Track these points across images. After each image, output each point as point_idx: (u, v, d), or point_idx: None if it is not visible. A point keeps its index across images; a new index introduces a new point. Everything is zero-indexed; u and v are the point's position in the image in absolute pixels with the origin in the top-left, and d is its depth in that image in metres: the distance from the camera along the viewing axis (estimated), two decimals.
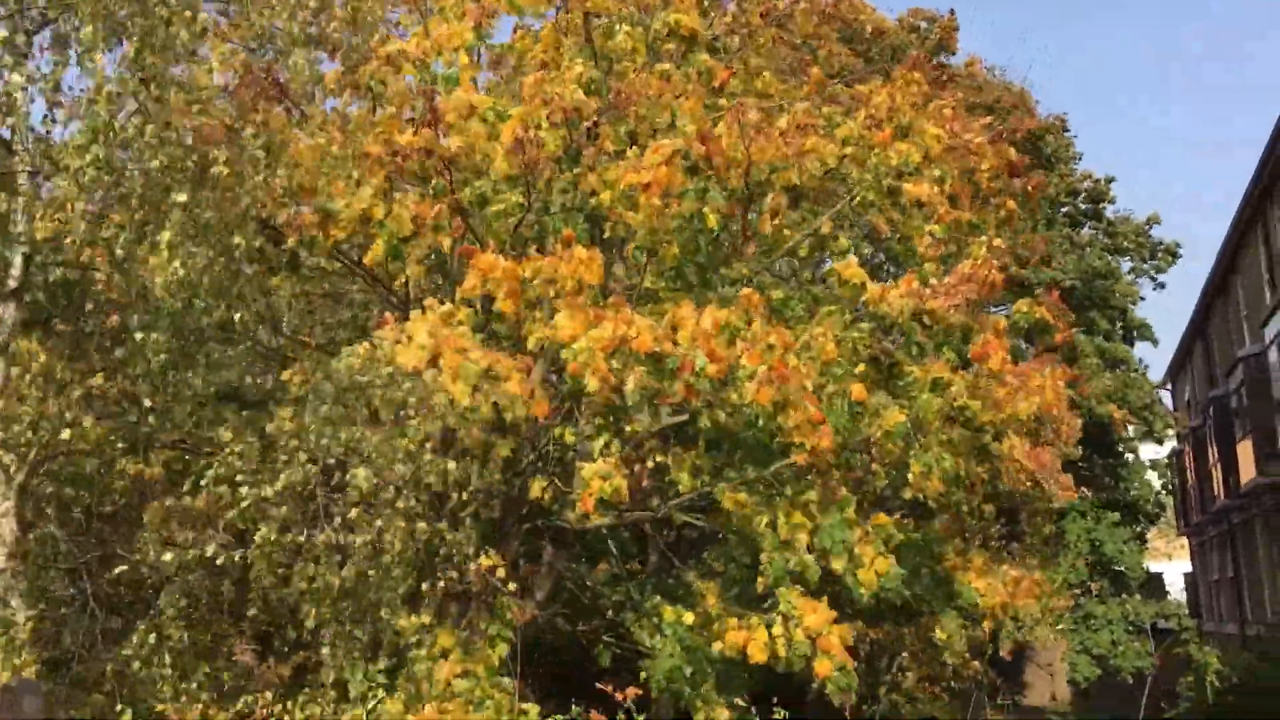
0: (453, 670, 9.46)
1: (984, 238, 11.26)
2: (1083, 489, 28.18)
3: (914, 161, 10.86)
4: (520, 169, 9.94)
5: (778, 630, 9.97)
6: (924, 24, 23.69)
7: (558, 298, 9.23)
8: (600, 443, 9.99)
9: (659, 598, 11.70)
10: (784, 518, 10.14)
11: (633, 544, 17.77)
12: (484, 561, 10.89)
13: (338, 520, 8.89)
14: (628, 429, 11.07)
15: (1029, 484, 19.05)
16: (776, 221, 11.06)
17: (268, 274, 10.15)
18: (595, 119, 10.12)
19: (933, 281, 10.38)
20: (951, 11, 22.52)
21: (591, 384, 8.77)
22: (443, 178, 10.08)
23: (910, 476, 10.61)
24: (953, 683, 20.92)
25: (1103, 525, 27.04)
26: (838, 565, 10.07)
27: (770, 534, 10.20)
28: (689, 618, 10.46)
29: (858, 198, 11.01)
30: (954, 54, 23.41)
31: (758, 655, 9.90)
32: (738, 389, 9.13)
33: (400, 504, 8.94)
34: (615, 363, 8.67)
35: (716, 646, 10.22)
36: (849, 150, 10.82)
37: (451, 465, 9.27)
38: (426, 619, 9.72)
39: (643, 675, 10.53)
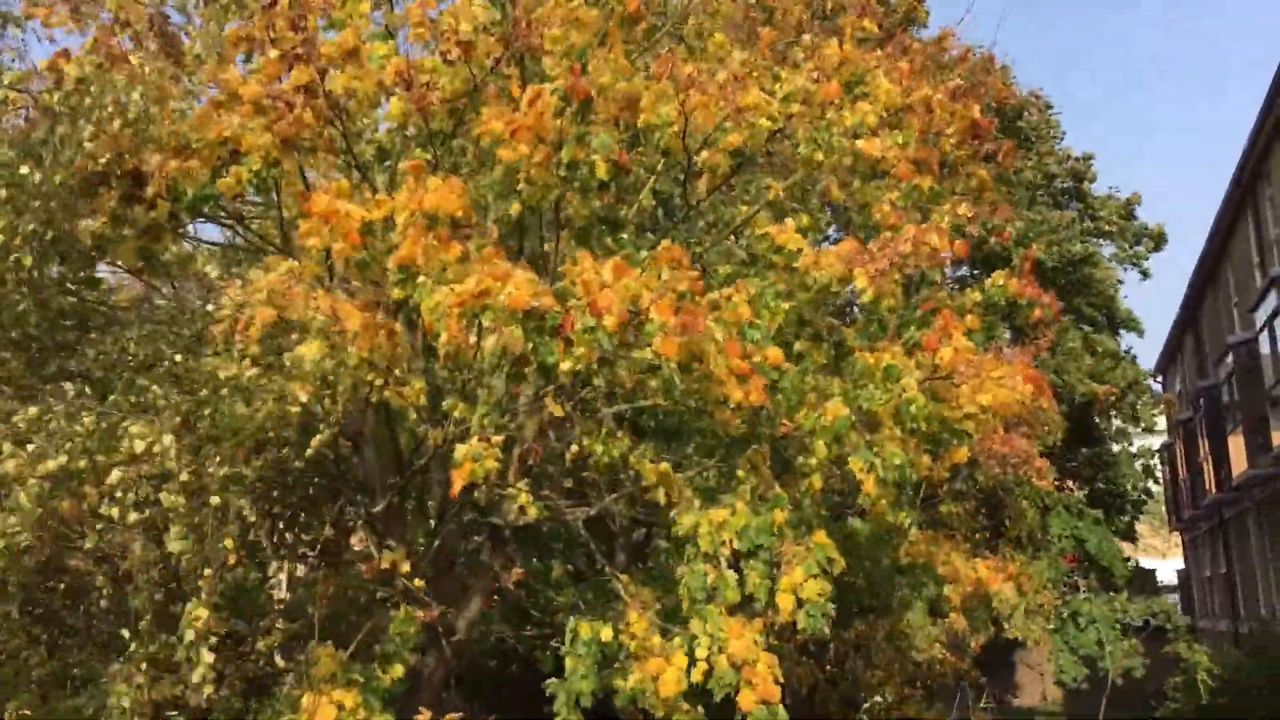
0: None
1: (947, 205, 10.18)
2: (1067, 483, 27.35)
3: (868, 122, 9.80)
4: (412, 110, 8.87)
5: (701, 652, 8.83)
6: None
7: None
8: (478, 415, 8.81)
9: (582, 605, 10.63)
10: (706, 522, 9.05)
11: (602, 541, 16.82)
12: (386, 558, 9.90)
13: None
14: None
15: (1002, 472, 18.22)
16: (712, 186, 9.98)
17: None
18: (497, 57, 9.06)
19: (870, 246, 9.23)
20: None
21: (441, 342, 7.70)
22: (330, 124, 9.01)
23: (858, 476, 9.40)
24: (931, 682, 20.01)
25: (1087, 520, 26.08)
26: (753, 579, 8.95)
27: (694, 539, 9.12)
28: (606, 633, 9.23)
29: (803, 160, 9.91)
30: (924, 27, 22.36)
31: (669, 688, 8.67)
32: (644, 348, 8.05)
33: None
34: (486, 319, 7.56)
35: (631, 679, 9.00)
36: (795, 108, 9.72)
37: None
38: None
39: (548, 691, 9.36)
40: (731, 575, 9.12)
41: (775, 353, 8.55)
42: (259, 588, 12.23)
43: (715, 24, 12.96)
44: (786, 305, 9.32)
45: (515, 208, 9.43)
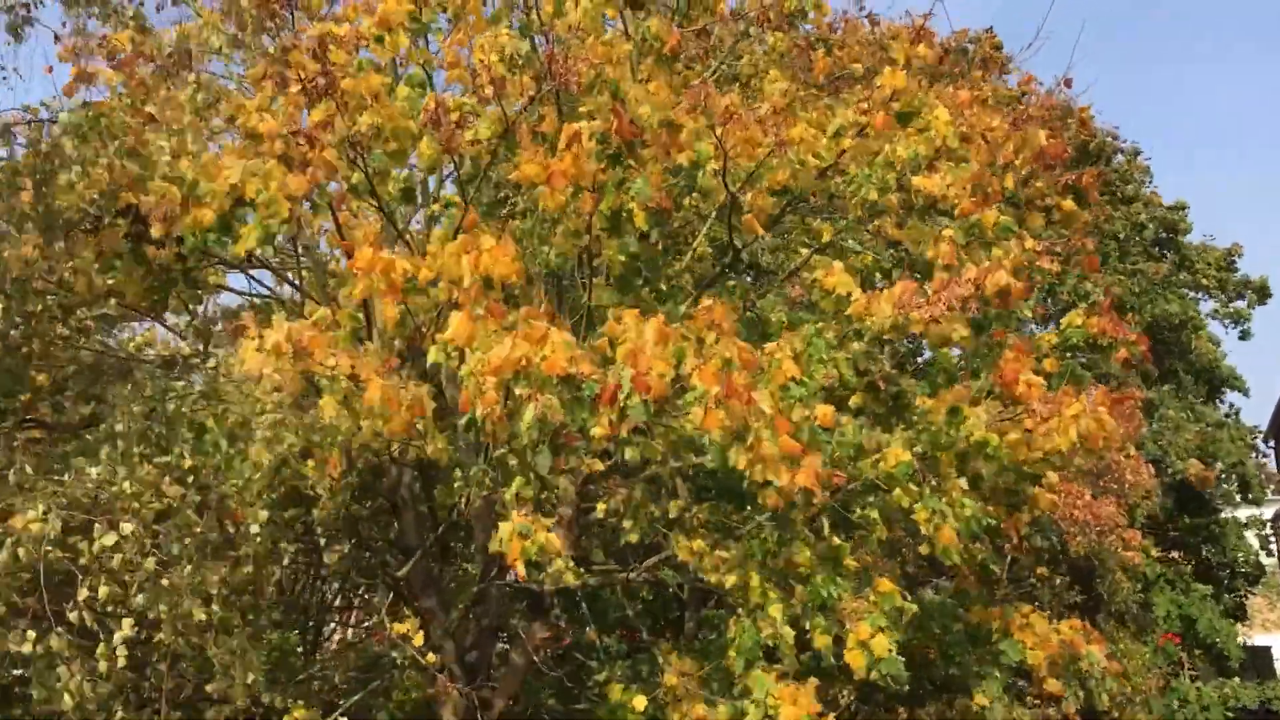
0: None
1: (1012, 241, 9.32)
2: (1172, 554, 25.68)
3: (922, 152, 9.06)
4: (442, 149, 8.37)
5: None
6: (969, 45, 21.92)
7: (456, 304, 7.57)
8: (514, 489, 8.18)
9: (619, 673, 9.85)
10: (755, 577, 8.25)
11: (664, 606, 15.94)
12: (397, 628, 9.32)
13: None
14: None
15: (1086, 540, 16.95)
16: (760, 228, 9.28)
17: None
18: (532, 94, 8.56)
19: (927, 288, 8.41)
20: (989, 29, 20.74)
21: (483, 416, 7.06)
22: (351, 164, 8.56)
23: (922, 529, 8.54)
24: None
25: (1194, 596, 24.30)
26: (819, 638, 8.11)
27: (742, 596, 8.33)
28: (640, 703, 8.44)
29: (857, 197, 9.17)
30: (1006, 74, 21.55)
31: None
32: (685, 416, 7.37)
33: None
34: (519, 388, 6.92)
35: None
36: (846, 143, 9.02)
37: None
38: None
39: None
40: (789, 632, 8.32)
41: (825, 411, 7.77)
42: (295, 653, 11.74)
43: (770, 60, 12.40)
44: (840, 355, 8.55)
45: (550, 258, 8.89)
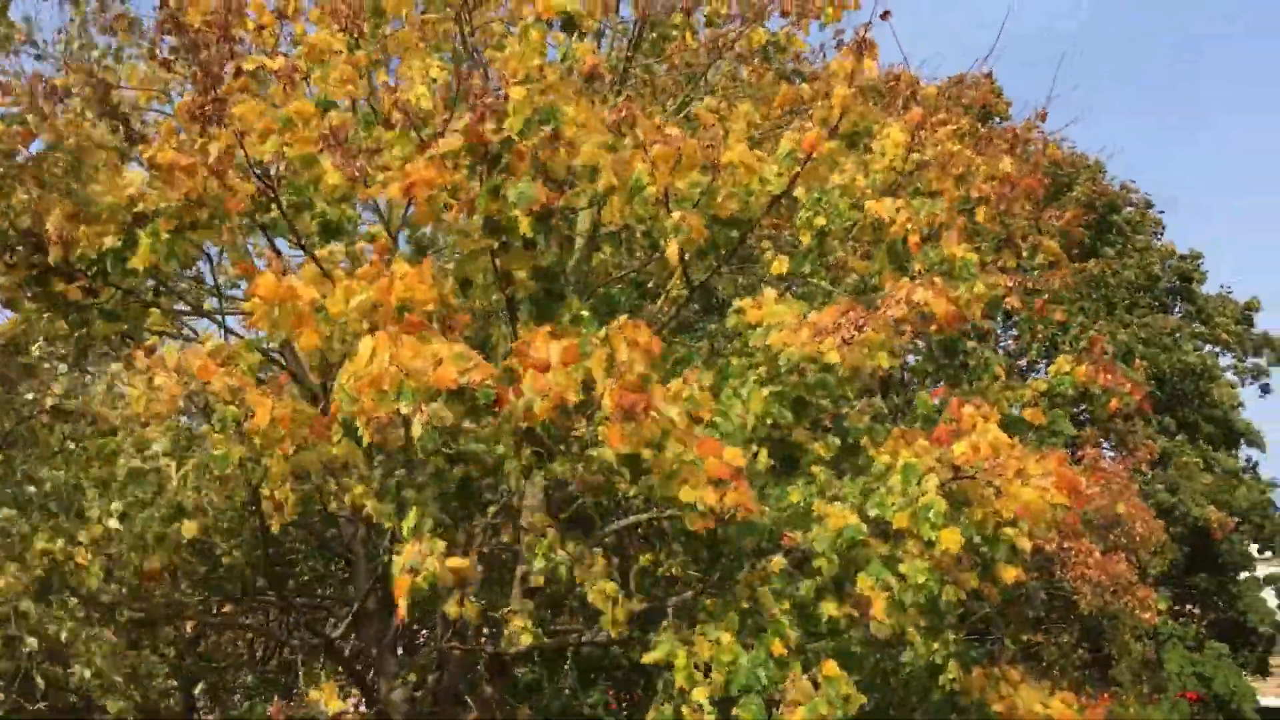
0: None
1: (976, 272, 8.63)
2: (1189, 608, 24.69)
3: (880, 180, 8.44)
4: (346, 179, 7.80)
5: None
6: (971, 91, 21.40)
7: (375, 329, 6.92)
8: (411, 518, 7.50)
9: None
10: (682, 655, 7.52)
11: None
12: (313, 694, 8.63)
13: None
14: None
15: (1098, 599, 16.06)
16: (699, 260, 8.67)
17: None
18: (446, 119, 7.98)
19: (839, 311, 7.67)
20: (989, 74, 20.18)
21: (363, 430, 6.42)
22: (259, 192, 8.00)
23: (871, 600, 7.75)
24: None
25: (1208, 654, 23.23)
26: None
27: (671, 673, 7.60)
28: None
29: (803, 225, 8.54)
30: (1005, 119, 20.99)
31: None
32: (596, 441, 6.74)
33: None
34: (404, 405, 6.27)
35: None
36: (794, 168, 8.39)
37: None
38: None
39: None
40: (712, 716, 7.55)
41: (733, 454, 7.05)
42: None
43: (734, 91, 11.92)
44: (764, 393, 7.84)
45: (450, 286, 8.26)
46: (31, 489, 8.27)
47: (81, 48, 9.24)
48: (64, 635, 7.76)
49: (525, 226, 7.30)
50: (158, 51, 9.80)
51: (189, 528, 7.61)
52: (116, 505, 7.65)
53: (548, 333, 6.85)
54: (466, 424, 6.61)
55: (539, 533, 9.63)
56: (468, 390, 6.43)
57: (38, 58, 10.42)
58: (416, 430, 6.19)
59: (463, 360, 6.49)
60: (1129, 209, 26.40)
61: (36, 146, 8.22)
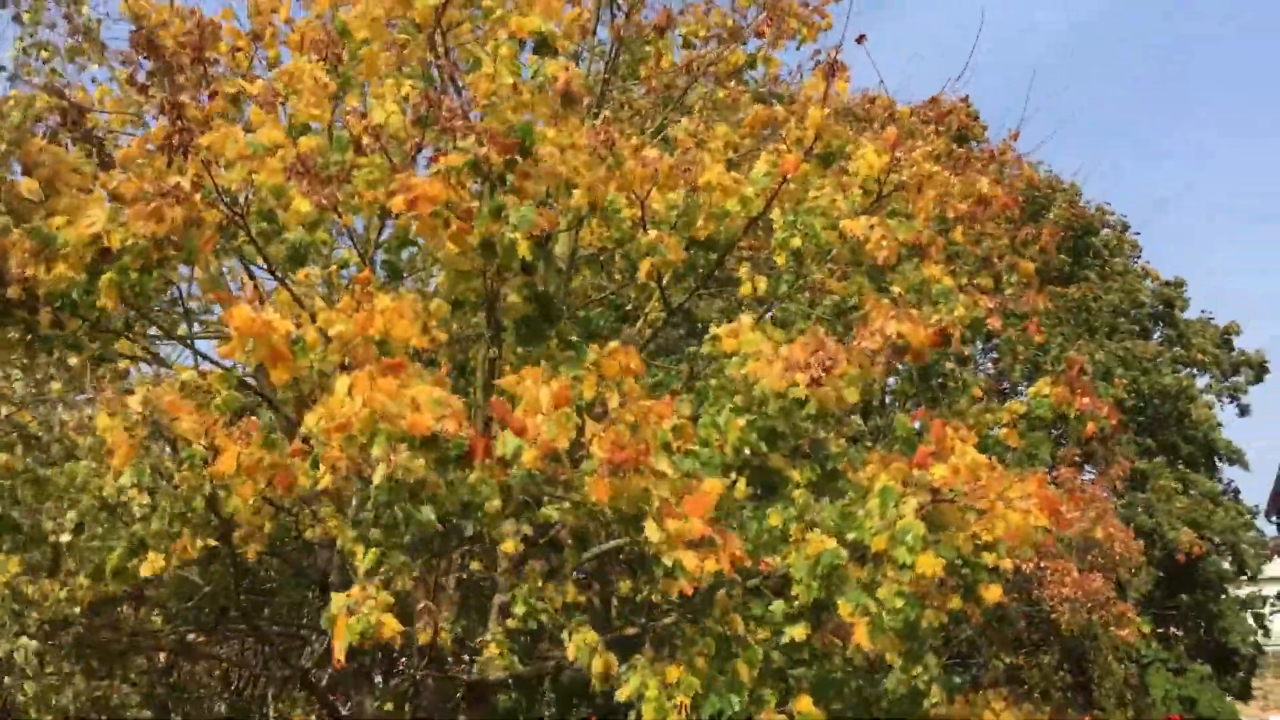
0: None
1: (955, 297, 8.60)
2: (1172, 630, 24.66)
3: (859, 201, 8.41)
4: (315, 205, 7.69)
5: None
6: (948, 116, 21.52)
7: (349, 366, 6.80)
8: (366, 561, 7.37)
9: None
10: (653, 686, 7.41)
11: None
12: None
13: None
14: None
15: (1073, 618, 16.02)
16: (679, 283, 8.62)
17: None
18: (418, 142, 7.92)
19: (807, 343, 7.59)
20: (965, 97, 20.28)
21: (324, 477, 6.30)
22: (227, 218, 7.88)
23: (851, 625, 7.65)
24: None
25: (1192, 678, 23.18)
26: None
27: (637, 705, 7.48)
28: None
29: (779, 245, 8.50)
30: (981, 142, 21.09)
31: None
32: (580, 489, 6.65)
33: None
34: (375, 449, 6.16)
35: None
36: (770, 189, 8.35)
37: None
38: None
39: None
40: None
41: (713, 485, 6.96)
42: None
43: (719, 114, 11.92)
44: (743, 420, 7.76)
45: (442, 308, 8.15)
46: None
47: (48, 70, 9.10)
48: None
49: (524, 250, 7.20)
50: (132, 74, 9.71)
51: (153, 561, 7.46)
52: (71, 516, 7.50)
53: (538, 373, 6.75)
54: (433, 477, 6.44)
55: (514, 561, 9.54)
56: (440, 439, 6.34)
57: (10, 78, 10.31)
58: (377, 479, 6.07)
59: (438, 406, 6.38)
60: (1105, 231, 26.55)
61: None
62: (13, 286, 7.55)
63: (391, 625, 6.52)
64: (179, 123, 7.46)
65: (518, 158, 7.24)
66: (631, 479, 6.32)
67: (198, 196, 7.50)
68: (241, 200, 7.91)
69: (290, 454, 7.24)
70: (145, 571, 7.56)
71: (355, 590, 6.65)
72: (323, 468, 6.19)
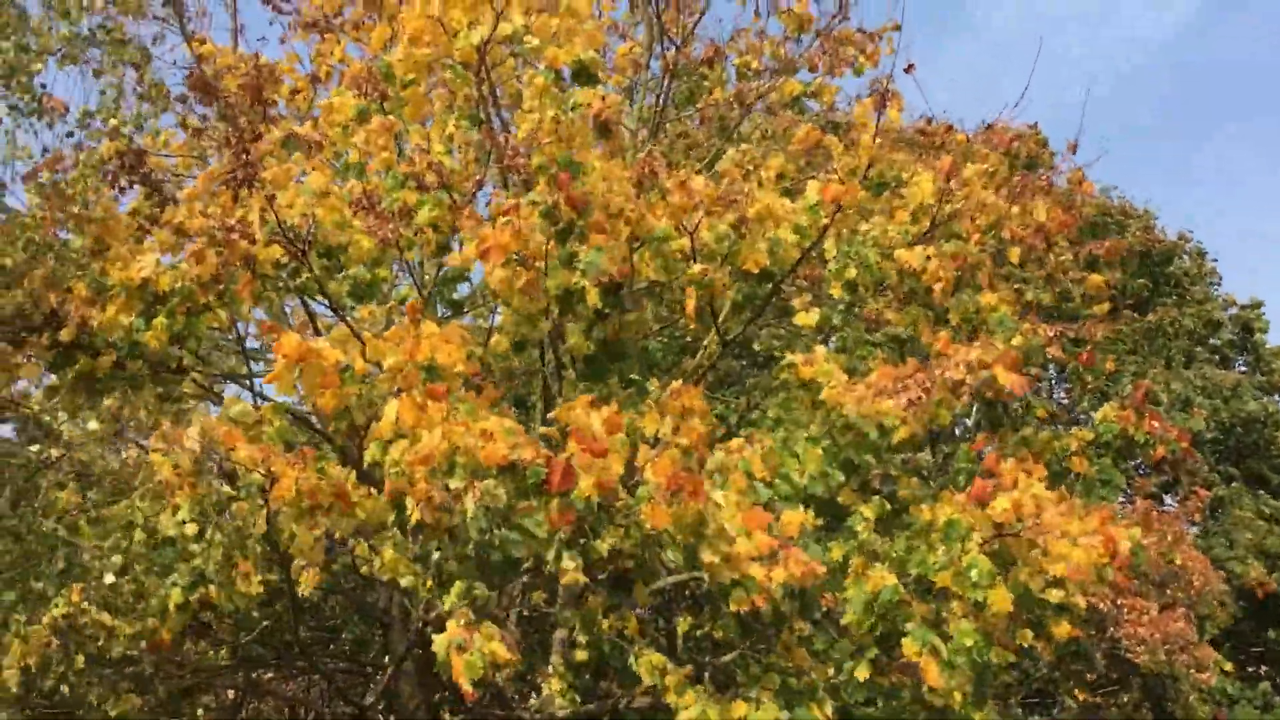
0: None
1: (1014, 325, 8.41)
2: (1261, 669, 23.77)
3: (912, 231, 8.27)
4: (379, 242, 7.78)
5: None
6: (1015, 143, 21.17)
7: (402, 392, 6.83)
8: (452, 597, 7.38)
9: None
10: (714, 713, 7.28)
11: None
12: None
13: None
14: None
15: (1153, 659, 15.48)
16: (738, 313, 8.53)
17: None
18: (479, 179, 7.99)
19: (905, 372, 7.44)
20: (1034, 125, 19.93)
21: (412, 509, 6.31)
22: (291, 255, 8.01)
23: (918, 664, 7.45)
24: None
25: (1277, 717, 22.26)
26: None
27: None
28: None
29: (834, 276, 8.40)
30: (1048, 169, 20.71)
31: None
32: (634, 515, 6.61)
33: None
34: (455, 481, 6.16)
35: None
36: (823, 219, 8.25)
37: None
38: None
39: None
40: None
41: (792, 519, 6.88)
42: None
43: (773, 144, 11.85)
44: (817, 451, 7.66)
45: (503, 344, 8.18)
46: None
47: (111, 116, 9.33)
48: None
49: (594, 298, 7.21)
50: (188, 118, 9.94)
51: (213, 595, 7.51)
52: (116, 560, 7.60)
53: (589, 401, 6.75)
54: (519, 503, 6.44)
55: (574, 594, 9.47)
56: (518, 467, 6.35)
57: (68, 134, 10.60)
58: (469, 510, 6.07)
59: (512, 436, 6.41)
60: (1184, 259, 25.90)
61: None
62: (66, 329, 7.79)
63: (501, 653, 6.48)
64: (244, 157, 7.59)
65: (589, 203, 7.25)
66: (688, 503, 6.26)
67: (261, 233, 7.66)
68: (304, 236, 8.00)
69: (353, 487, 7.30)
70: (216, 598, 7.63)
71: (453, 627, 6.62)
72: (410, 503, 6.17)
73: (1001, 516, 7.25)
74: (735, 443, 7.38)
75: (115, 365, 8.29)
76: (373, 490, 7.53)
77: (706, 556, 6.52)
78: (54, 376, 8.36)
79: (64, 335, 7.70)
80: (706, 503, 6.42)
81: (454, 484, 6.22)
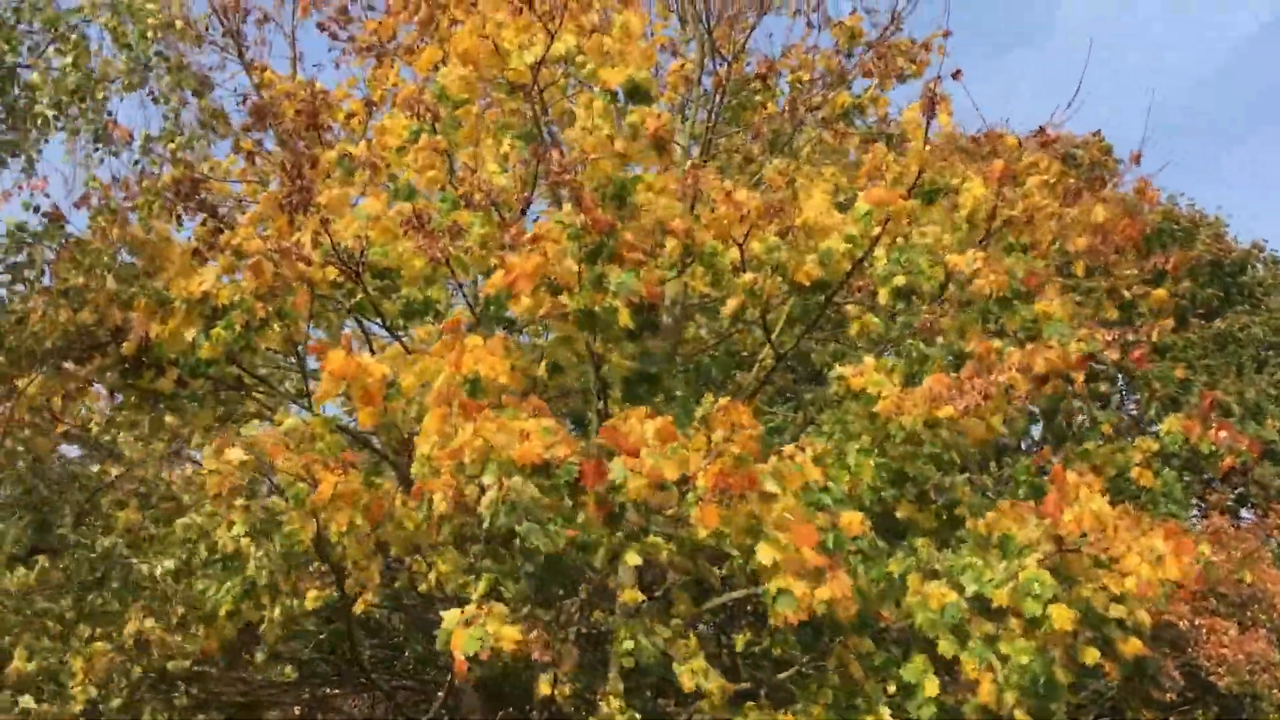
0: None
1: (1069, 330, 8.24)
2: None
3: (965, 238, 8.17)
4: (429, 261, 7.87)
5: None
6: (1078, 150, 20.81)
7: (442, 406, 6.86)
8: (483, 586, 7.41)
9: None
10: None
11: None
12: None
13: None
14: None
15: (1235, 679, 15.00)
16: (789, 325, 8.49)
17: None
18: (527, 198, 8.05)
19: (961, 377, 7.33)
20: (1097, 132, 19.63)
21: (439, 503, 6.33)
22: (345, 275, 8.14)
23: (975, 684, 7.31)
24: None
25: None
26: None
27: None
28: None
29: (880, 281, 8.31)
30: (1113, 175, 20.38)
31: None
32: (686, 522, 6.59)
33: None
34: (487, 477, 6.18)
35: None
36: (874, 228, 8.18)
37: None
38: None
39: None
40: None
41: (852, 518, 6.81)
42: None
43: (825, 158, 11.82)
44: (870, 462, 7.58)
45: (540, 369, 8.23)
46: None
47: (170, 142, 9.55)
48: None
49: (625, 318, 7.21)
50: (247, 143, 10.14)
51: (270, 610, 7.62)
52: (168, 565, 7.75)
53: (644, 412, 6.74)
54: (546, 501, 6.46)
55: (631, 612, 9.45)
56: (551, 466, 6.35)
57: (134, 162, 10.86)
58: (486, 501, 6.09)
59: (549, 435, 6.43)
60: (1257, 268, 25.24)
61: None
62: (128, 344, 7.99)
63: (510, 636, 6.49)
64: (298, 181, 7.72)
65: (618, 224, 7.25)
66: (739, 505, 6.22)
67: (316, 254, 7.79)
68: (358, 257, 8.12)
69: (400, 501, 7.37)
70: (266, 615, 7.74)
71: (470, 607, 6.67)
72: (436, 497, 6.23)
73: (1068, 530, 7.09)
74: (789, 449, 7.33)
75: (178, 383, 8.48)
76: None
77: (763, 555, 6.44)
78: (119, 397, 8.57)
79: (126, 348, 7.90)
80: (760, 497, 6.35)
81: (486, 479, 6.24)
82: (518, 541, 7.96)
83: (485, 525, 6.15)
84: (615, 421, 6.83)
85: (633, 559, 7.70)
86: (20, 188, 8.75)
